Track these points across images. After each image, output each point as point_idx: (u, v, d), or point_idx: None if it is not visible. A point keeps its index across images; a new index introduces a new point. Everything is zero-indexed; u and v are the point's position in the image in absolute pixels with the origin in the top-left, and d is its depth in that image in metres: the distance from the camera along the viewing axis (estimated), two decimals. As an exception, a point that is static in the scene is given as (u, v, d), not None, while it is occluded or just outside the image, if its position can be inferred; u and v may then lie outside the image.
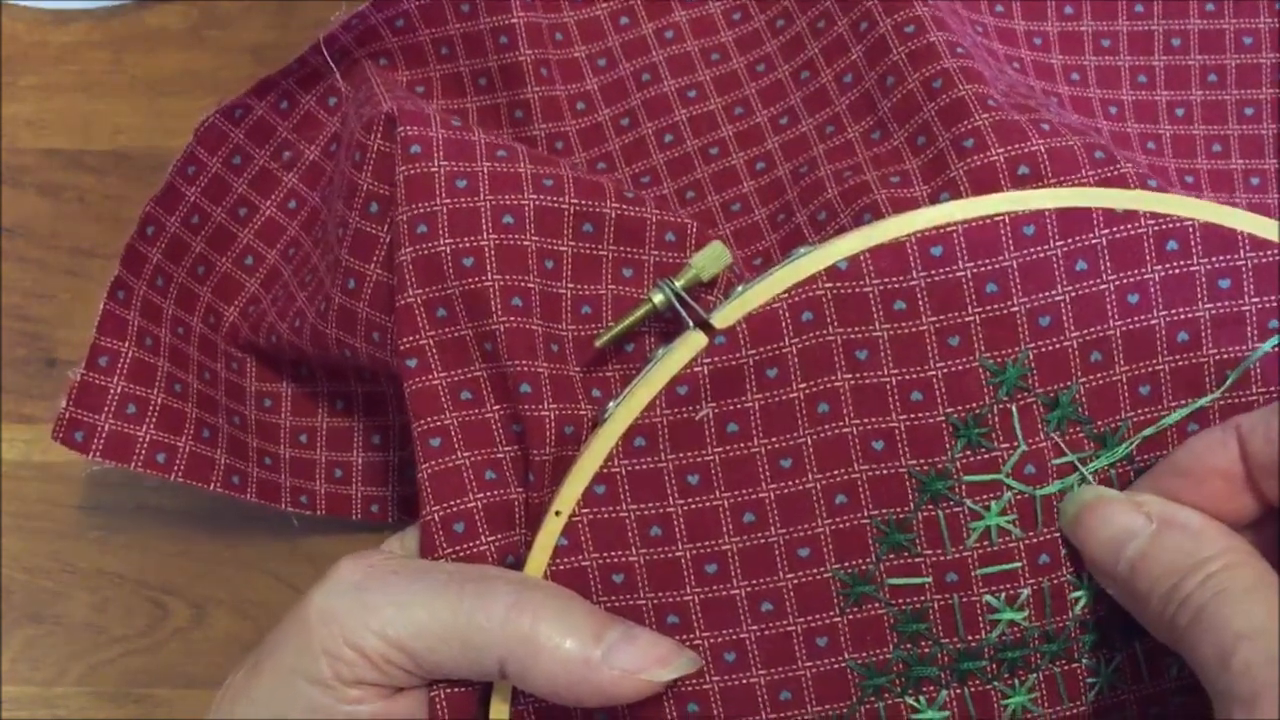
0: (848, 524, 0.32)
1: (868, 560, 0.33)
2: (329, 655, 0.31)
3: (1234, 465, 0.30)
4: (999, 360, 0.32)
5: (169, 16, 0.48)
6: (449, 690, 0.32)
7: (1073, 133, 0.34)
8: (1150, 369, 0.32)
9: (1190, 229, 0.32)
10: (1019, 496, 0.32)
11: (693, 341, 0.32)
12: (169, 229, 0.41)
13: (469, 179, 0.35)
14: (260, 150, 0.41)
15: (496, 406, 0.35)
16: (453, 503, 0.33)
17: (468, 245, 0.34)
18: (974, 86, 0.35)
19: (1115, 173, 0.34)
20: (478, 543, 0.33)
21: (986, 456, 0.32)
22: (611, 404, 0.33)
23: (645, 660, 0.31)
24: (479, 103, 0.41)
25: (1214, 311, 0.32)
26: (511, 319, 0.34)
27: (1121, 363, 0.32)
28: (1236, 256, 0.32)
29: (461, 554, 0.33)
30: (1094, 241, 0.32)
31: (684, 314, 0.33)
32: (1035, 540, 0.32)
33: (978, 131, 0.34)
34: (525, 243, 0.35)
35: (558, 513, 0.32)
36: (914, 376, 0.32)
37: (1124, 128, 0.39)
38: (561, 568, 0.33)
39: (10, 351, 0.46)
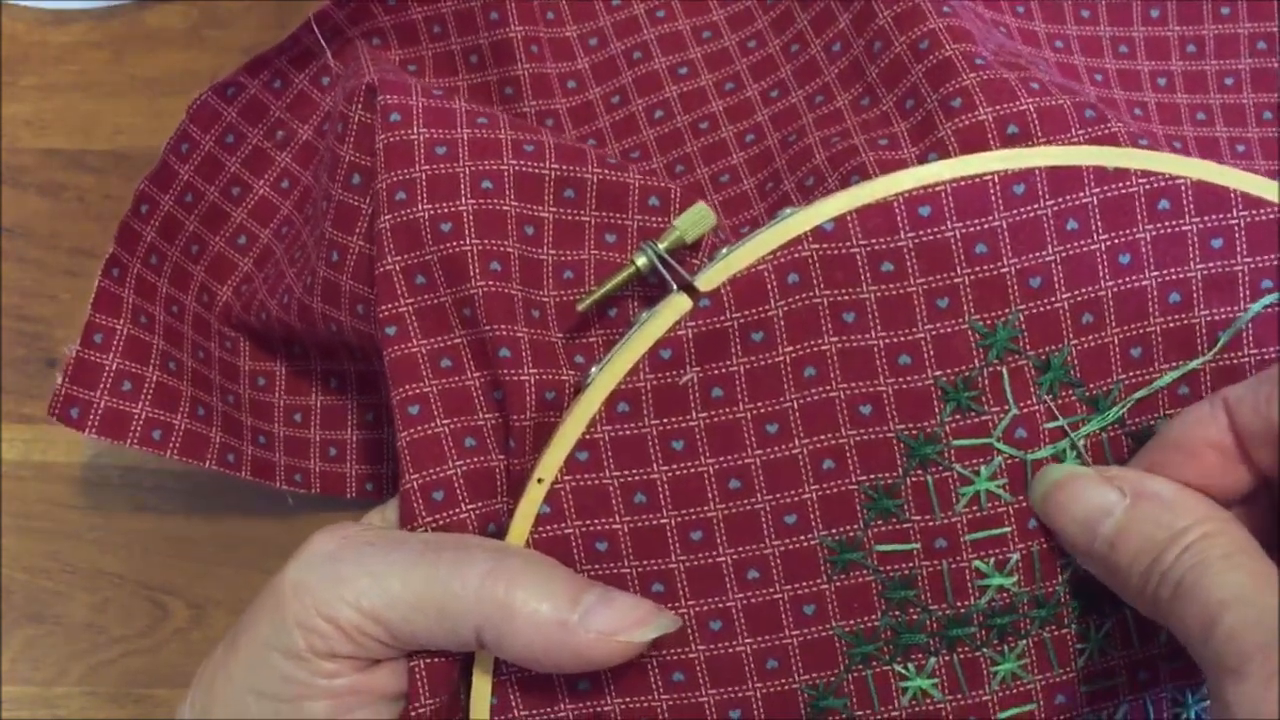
0: (835, 490, 0.32)
1: (855, 526, 0.32)
2: (303, 628, 0.31)
3: (1224, 437, 0.29)
4: (989, 322, 0.31)
5: (169, 16, 0.48)
6: (428, 661, 0.32)
7: (1062, 92, 0.34)
8: (1142, 330, 0.32)
9: (1182, 187, 0.31)
10: (1009, 461, 0.32)
11: (676, 305, 0.31)
12: (163, 207, 0.40)
13: (448, 145, 0.34)
14: (253, 129, 0.41)
15: (476, 374, 0.34)
16: (432, 470, 0.33)
17: (446, 211, 0.34)
18: (961, 45, 0.34)
19: (1105, 131, 0.33)
20: (457, 510, 0.33)
21: (976, 420, 0.32)
22: (594, 369, 0.32)
23: (623, 622, 0.30)
24: (470, 80, 0.40)
25: (1206, 272, 0.31)
26: (490, 283, 0.33)
27: (1113, 324, 0.32)
28: (1229, 215, 0.31)
29: (441, 522, 0.33)
30: (1085, 200, 0.31)
31: (667, 277, 0.32)
32: (1025, 505, 0.32)
33: (965, 91, 0.34)
34: (505, 208, 0.34)
35: (540, 480, 0.32)
36: (902, 339, 0.32)
37: (1110, 94, 0.39)
38: (544, 535, 0.32)
39: (10, 351, 0.46)
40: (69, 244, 0.47)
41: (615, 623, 0.30)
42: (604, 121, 0.40)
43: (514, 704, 0.32)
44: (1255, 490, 0.29)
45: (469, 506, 0.33)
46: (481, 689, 0.32)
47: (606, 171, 0.35)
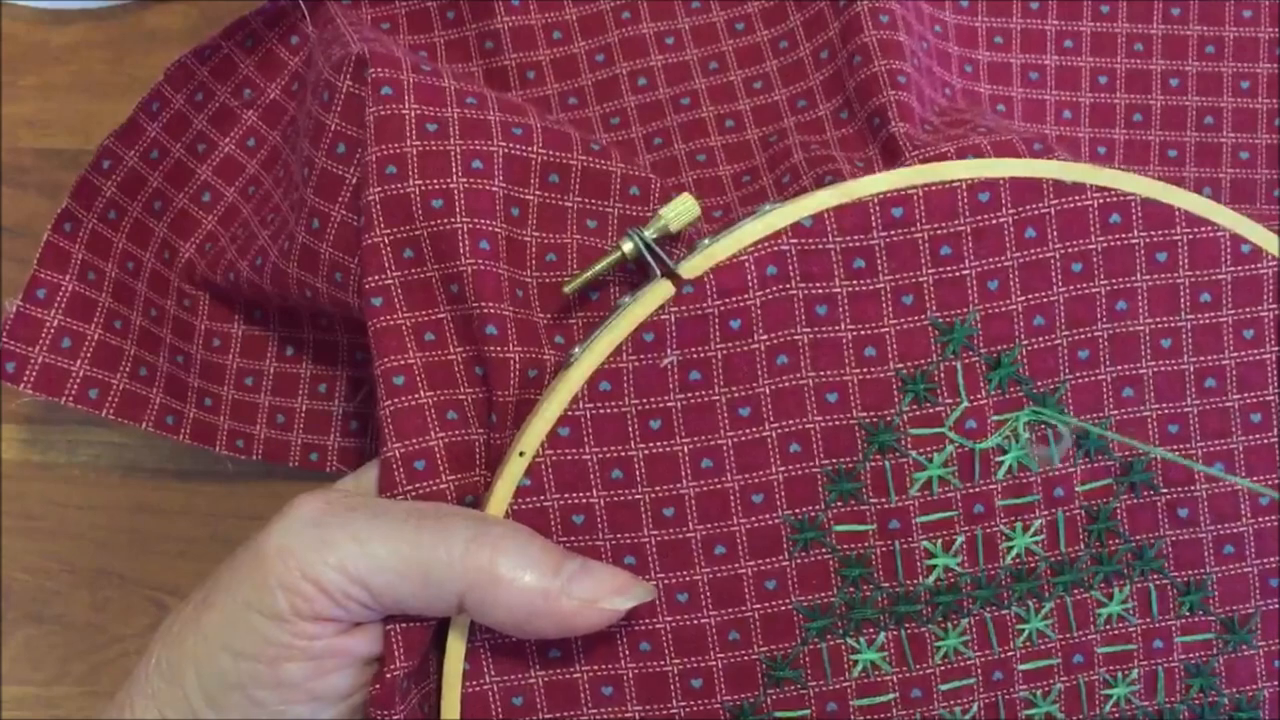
0: (800, 472, 0.34)
1: (817, 507, 0.34)
2: (286, 590, 0.31)
3: None
4: (948, 320, 0.34)
5: (169, 16, 0.48)
6: (404, 625, 0.33)
7: (1009, 132, 0.36)
8: (1089, 335, 0.34)
9: (1132, 203, 0.34)
10: (959, 450, 0.34)
11: (661, 290, 0.33)
12: (126, 163, 0.40)
13: (439, 123, 0.35)
14: (221, 87, 0.41)
15: (459, 349, 0.35)
16: (414, 440, 0.34)
17: (437, 187, 0.34)
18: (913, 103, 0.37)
19: (1053, 159, 0.36)
20: (438, 481, 0.34)
21: (931, 411, 0.34)
22: (577, 348, 0.33)
23: (603, 590, 0.32)
24: (447, 36, 0.41)
25: (1151, 283, 0.34)
26: (480, 261, 0.34)
27: (1063, 328, 0.34)
28: (1173, 232, 0.34)
29: (421, 492, 0.33)
30: (1043, 211, 0.33)
31: (652, 263, 0.33)
32: (972, 491, 0.34)
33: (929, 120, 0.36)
34: (493, 188, 0.35)
35: (522, 453, 0.33)
36: (868, 332, 0.34)
37: (1111, 99, 0.41)
38: (523, 507, 0.33)
39: None
40: (69, 244, 0.47)
41: (596, 590, 0.32)
42: (587, 79, 0.41)
43: (486, 670, 0.34)
44: None
45: (449, 477, 0.34)
46: (455, 654, 0.33)
47: (591, 159, 0.36)
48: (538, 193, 0.36)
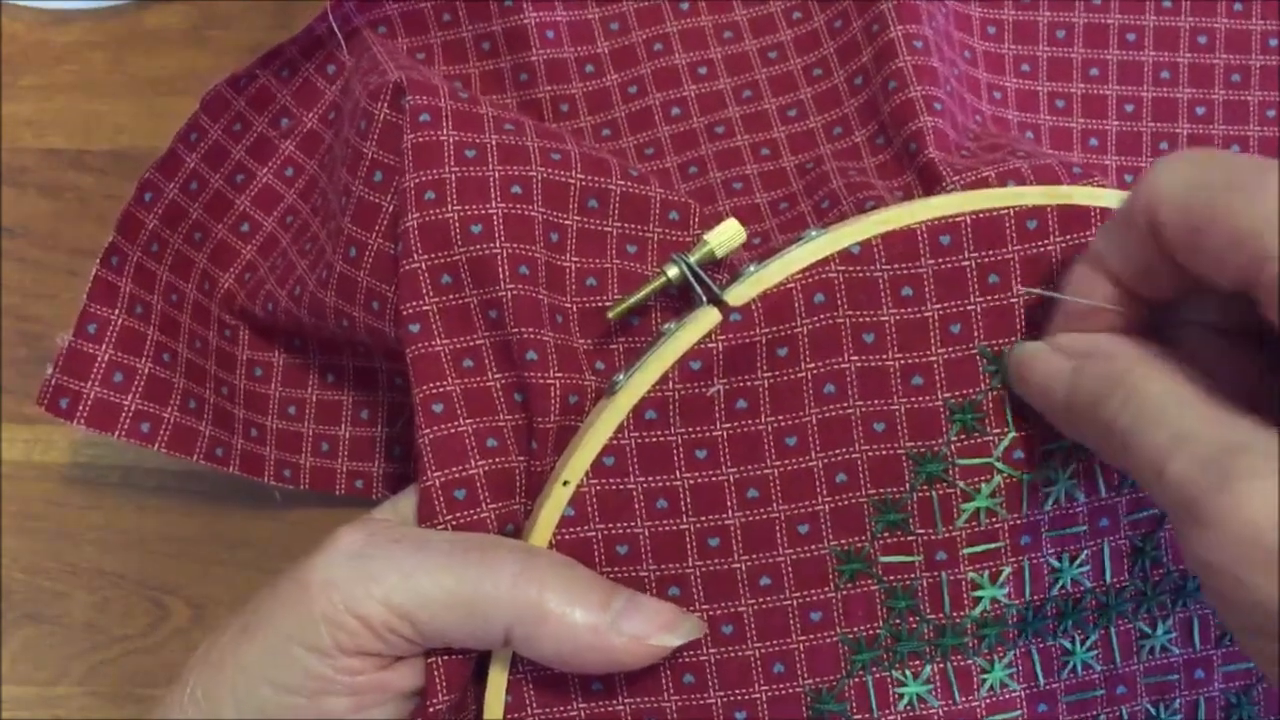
0: (846, 502, 0.33)
1: (863, 538, 0.33)
2: (330, 624, 0.31)
3: (1109, 287, 0.30)
4: (996, 349, 0.33)
5: (169, 16, 0.48)
6: (446, 658, 0.32)
7: (1045, 156, 0.36)
8: None
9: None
10: (1008, 480, 0.34)
11: (707, 317, 0.32)
12: (167, 195, 0.40)
13: (478, 150, 0.35)
14: (259, 117, 0.41)
15: (498, 375, 0.34)
16: (454, 469, 0.33)
17: (476, 212, 0.34)
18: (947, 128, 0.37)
19: (1095, 184, 0.35)
20: (479, 510, 0.33)
21: (980, 441, 0.34)
22: (621, 376, 0.33)
23: (652, 626, 0.31)
24: (482, 68, 0.41)
25: None
26: (519, 287, 0.34)
27: None
28: None
29: (462, 521, 0.33)
30: (1089, 238, 0.33)
31: (698, 290, 0.33)
32: (1020, 521, 0.34)
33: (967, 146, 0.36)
34: (532, 214, 0.35)
35: (566, 482, 0.33)
36: (916, 361, 0.33)
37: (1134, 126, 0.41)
38: (567, 537, 0.33)
39: (10, 351, 0.46)
40: (69, 244, 0.46)
41: (645, 627, 0.31)
42: (620, 111, 0.41)
43: (528, 702, 0.33)
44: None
45: (490, 506, 0.33)
46: (497, 686, 0.33)
47: (630, 184, 0.36)
48: (577, 218, 0.35)
